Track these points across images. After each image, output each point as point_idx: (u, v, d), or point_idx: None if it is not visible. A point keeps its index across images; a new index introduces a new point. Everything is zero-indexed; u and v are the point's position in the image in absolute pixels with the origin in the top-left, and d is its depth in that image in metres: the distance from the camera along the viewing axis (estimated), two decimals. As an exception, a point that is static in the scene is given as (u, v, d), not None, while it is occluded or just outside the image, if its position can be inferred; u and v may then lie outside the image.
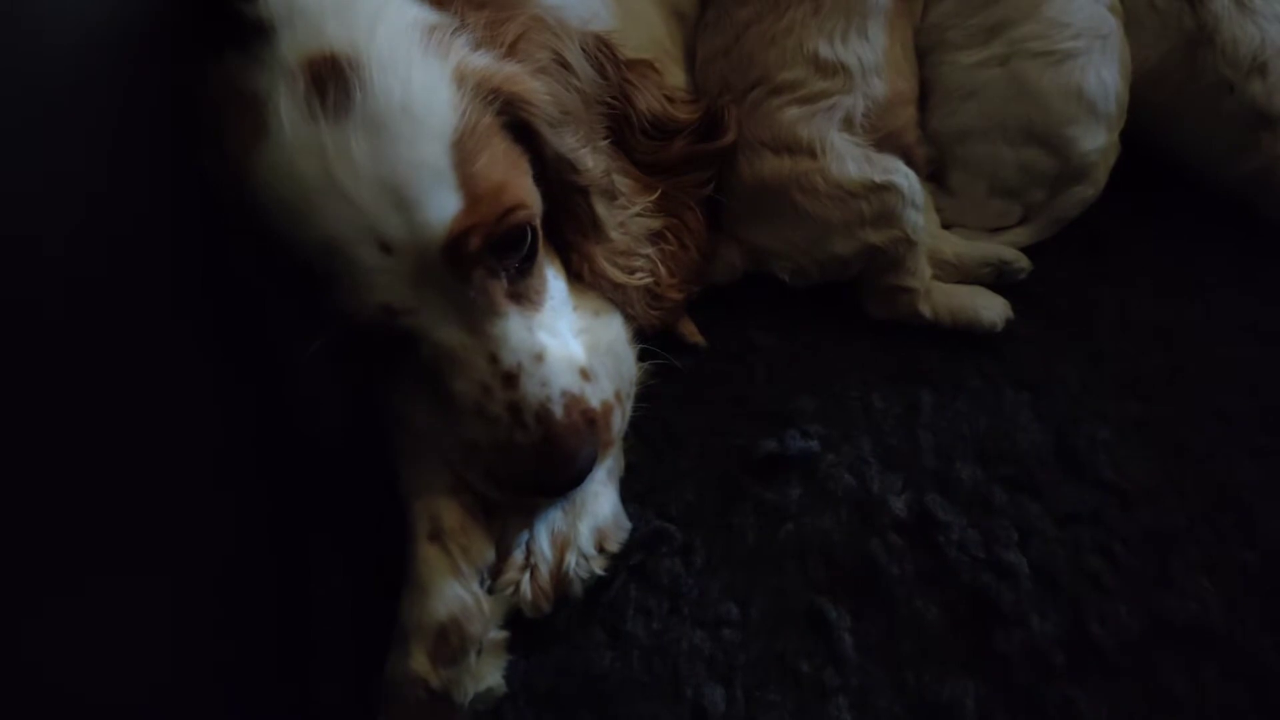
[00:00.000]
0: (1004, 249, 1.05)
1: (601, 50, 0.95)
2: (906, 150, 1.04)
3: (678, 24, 1.11)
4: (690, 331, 1.03)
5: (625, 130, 0.97)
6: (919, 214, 0.99)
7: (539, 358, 0.83)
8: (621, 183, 0.96)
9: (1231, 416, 0.98)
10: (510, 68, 0.82)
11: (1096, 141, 1.03)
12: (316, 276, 0.77)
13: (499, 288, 0.81)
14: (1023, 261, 1.05)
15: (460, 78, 0.79)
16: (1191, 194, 1.12)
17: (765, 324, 1.06)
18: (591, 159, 0.89)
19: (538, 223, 0.84)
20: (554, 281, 0.89)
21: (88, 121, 0.71)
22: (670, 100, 1.00)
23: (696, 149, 1.00)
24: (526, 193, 0.82)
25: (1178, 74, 1.07)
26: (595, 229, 0.90)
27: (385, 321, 0.78)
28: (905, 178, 0.99)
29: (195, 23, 0.81)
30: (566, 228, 0.90)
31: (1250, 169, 1.06)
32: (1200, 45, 1.05)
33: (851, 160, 0.98)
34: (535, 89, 0.83)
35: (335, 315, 0.78)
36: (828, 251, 1.00)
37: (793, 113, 1.00)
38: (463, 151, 0.77)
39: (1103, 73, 1.02)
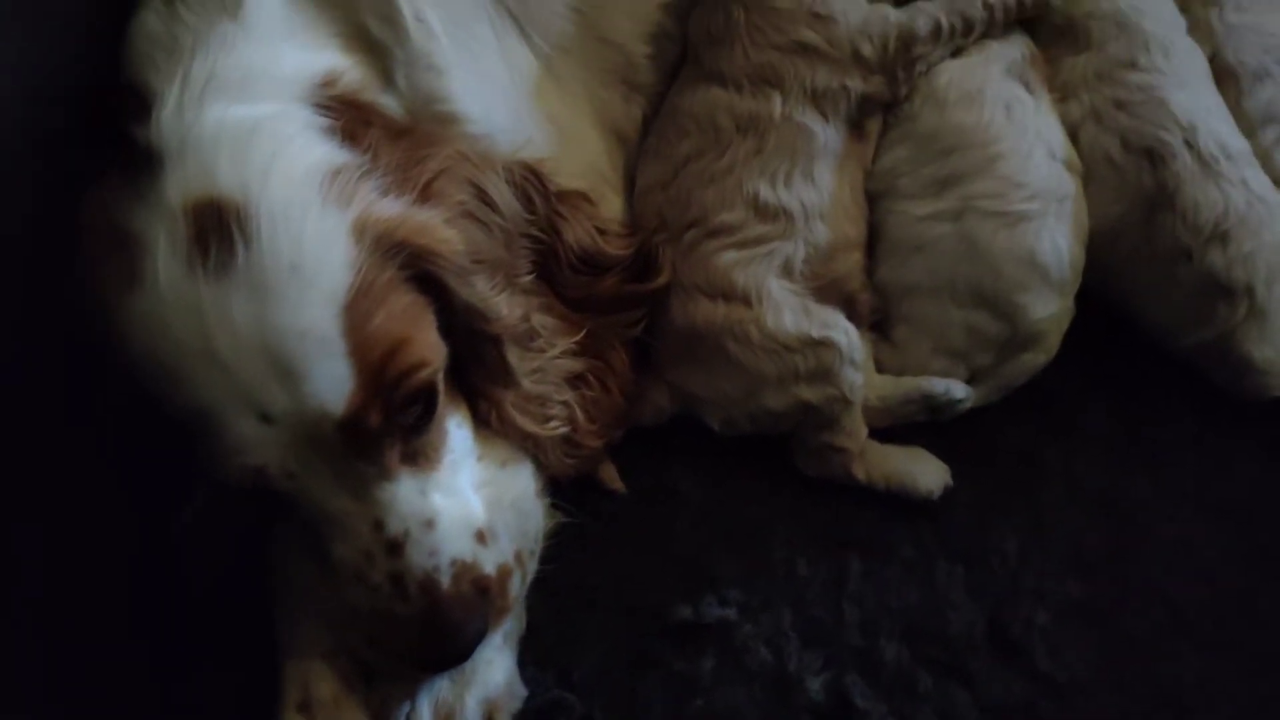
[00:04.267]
0: (929, 381, 0.98)
1: (530, 181, 0.90)
2: (849, 298, 0.99)
3: (619, 147, 1.05)
4: (610, 477, 0.97)
5: (552, 265, 0.92)
6: (857, 372, 0.94)
7: (429, 524, 0.77)
8: (544, 321, 0.90)
9: (1177, 604, 0.93)
10: (420, 215, 0.77)
11: (1048, 309, 0.97)
12: (187, 433, 0.71)
13: (392, 451, 0.75)
14: (957, 392, 0.98)
15: (360, 230, 0.73)
16: (1149, 355, 1.05)
17: (690, 470, 1.00)
18: (507, 305, 0.83)
19: (440, 378, 0.79)
20: (456, 432, 0.83)
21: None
22: (602, 233, 0.95)
23: (627, 289, 0.95)
24: (428, 349, 0.76)
25: (1134, 235, 1.00)
26: (506, 377, 0.85)
27: (259, 484, 0.72)
28: (844, 334, 0.93)
29: (85, 143, 0.77)
30: (474, 374, 0.85)
31: (1206, 339, 0.99)
32: (1159, 207, 0.99)
33: (789, 311, 0.93)
34: (445, 239, 0.77)
35: (206, 470, 0.73)
36: (760, 405, 0.95)
37: (729, 257, 0.94)
38: (356, 314, 0.71)
39: (1057, 237, 0.96)
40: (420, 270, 0.76)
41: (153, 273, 0.69)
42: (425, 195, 0.79)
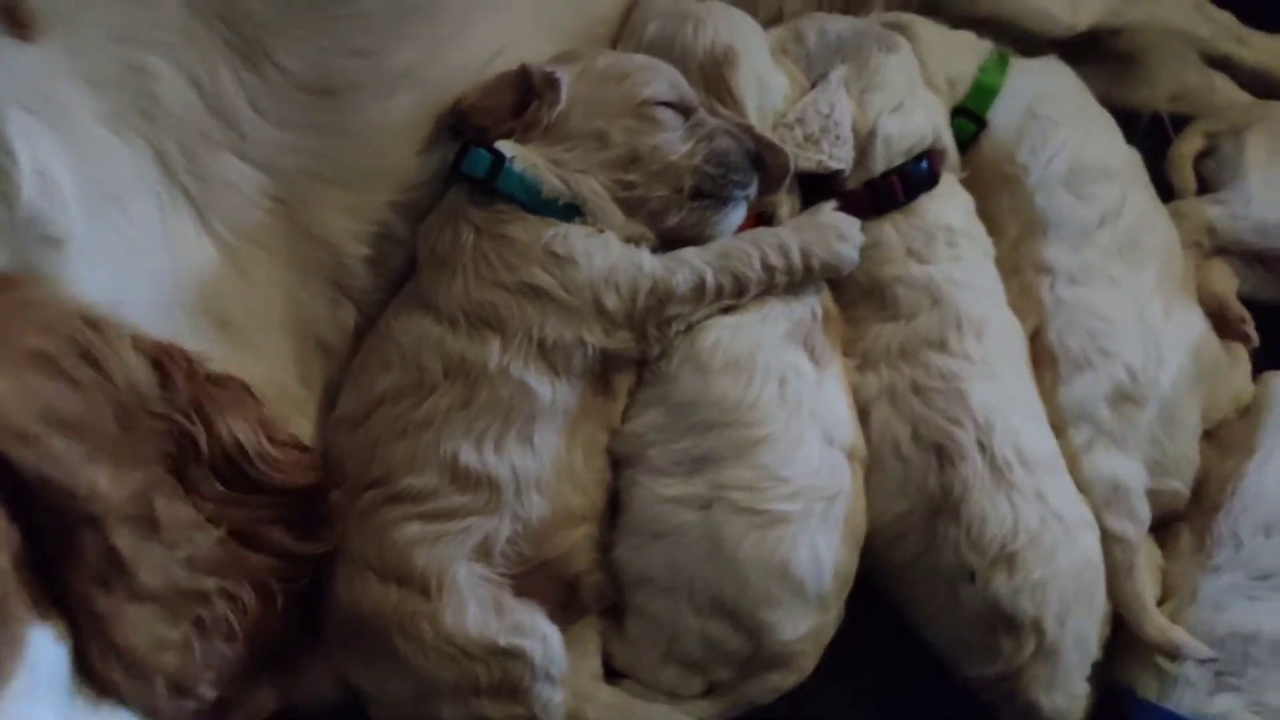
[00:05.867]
0: None
1: (173, 359, 0.71)
2: (572, 581, 0.81)
3: (319, 360, 0.86)
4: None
5: (192, 465, 0.71)
6: (555, 690, 0.76)
7: None
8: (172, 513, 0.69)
9: None
10: None
11: (801, 628, 0.81)
12: None
13: None
14: None
15: None
16: (933, 681, 0.89)
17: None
18: (109, 479, 0.64)
19: None
20: (45, 650, 0.62)
21: None
22: (268, 432, 0.74)
23: (285, 543, 0.74)
24: None
25: (915, 541, 0.85)
26: (118, 573, 0.64)
27: None
28: (541, 643, 0.75)
29: None
30: (71, 573, 0.64)
31: (987, 673, 0.85)
32: (943, 515, 0.84)
33: (475, 607, 0.75)
34: None
35: None
36: (433, 715, 0.76)
37: (412, 531, 0.76)
38: None
39: (819, 544, 0.80)
40: None
41: None
42: None
